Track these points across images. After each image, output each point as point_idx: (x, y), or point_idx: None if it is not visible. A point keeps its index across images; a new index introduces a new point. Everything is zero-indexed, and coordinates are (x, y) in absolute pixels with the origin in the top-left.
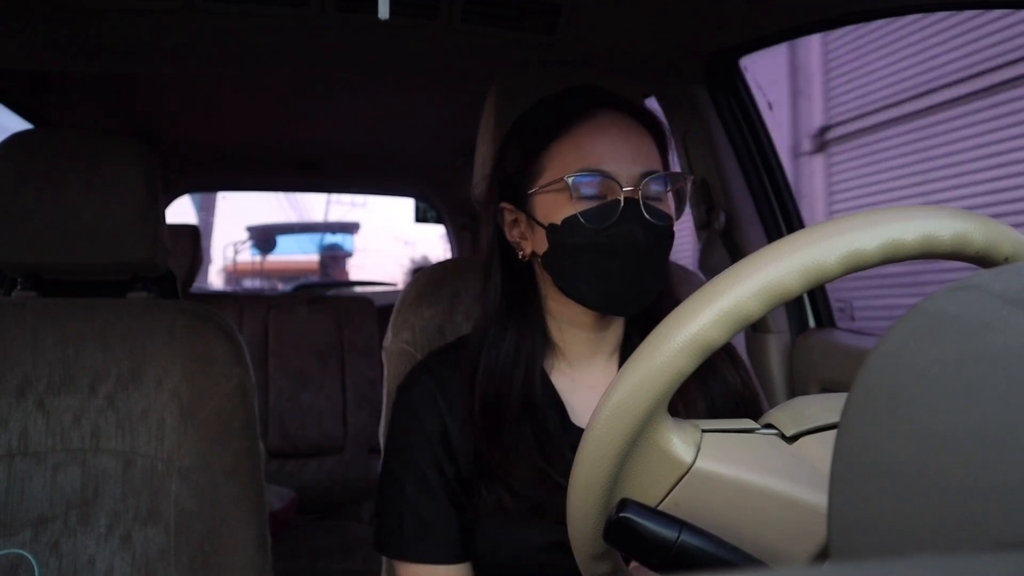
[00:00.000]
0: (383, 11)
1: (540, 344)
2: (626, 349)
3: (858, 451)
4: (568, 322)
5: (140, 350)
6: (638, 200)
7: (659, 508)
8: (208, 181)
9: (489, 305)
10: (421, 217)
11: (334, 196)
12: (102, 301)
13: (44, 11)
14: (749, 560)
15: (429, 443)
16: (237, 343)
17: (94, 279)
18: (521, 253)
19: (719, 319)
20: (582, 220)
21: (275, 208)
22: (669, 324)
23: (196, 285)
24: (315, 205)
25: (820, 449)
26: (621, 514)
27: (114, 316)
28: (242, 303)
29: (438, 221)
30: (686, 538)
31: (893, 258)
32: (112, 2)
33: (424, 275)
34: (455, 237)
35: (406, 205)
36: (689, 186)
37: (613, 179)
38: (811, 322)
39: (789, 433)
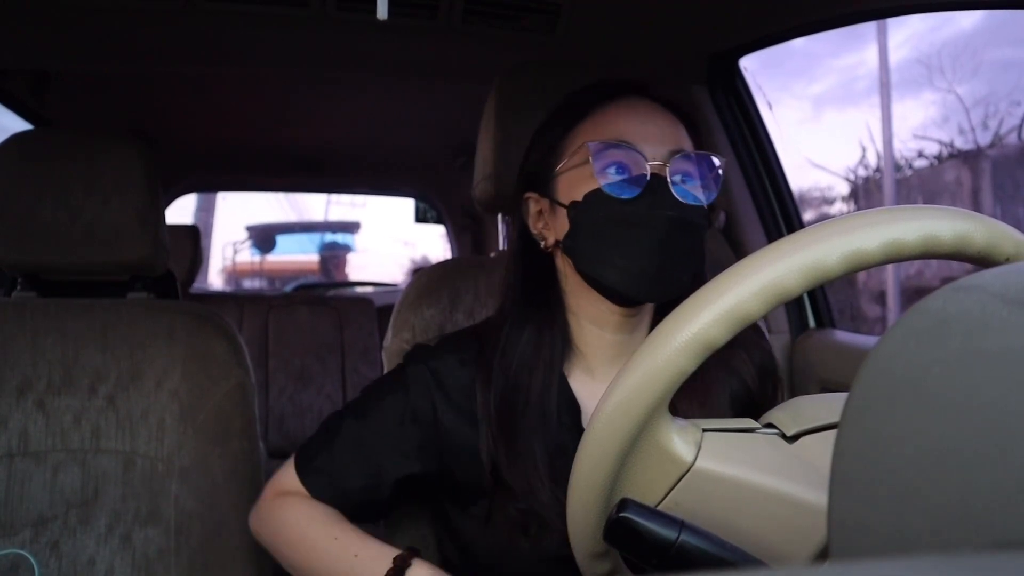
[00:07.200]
0: (381, 11)
1: (560, 347)
2: None
3: (858, 451)
4: (590, 320)
5: (140, 350)
6: (665, 177)
7: (659, 508)
8: (208, 181)
9: (507, 299)
10: (421, 217)
11: (334, 196)
12: (102, 301)
13: (45, 11)
14: (749, 560)
15: (401, 418)
16: (237, 343)
17: (94, 279)
18: (543, 243)
19: (720, 318)
20: (605, 191)
21: (275, 208)
22: (670, 323)
23: (196, 285)
24: (315, 205)
25: (820, 449)
26: (621, 514)
27: (114, 316)
28: (242, 303)
29: (438, 221)
30: (686, 538)
31: (894, 258)
32: (113, 2)
33: (424, 275)
34: (455, 237)
35: (406, 205)
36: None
37: (639, 152)
38: (811, 322)
39: (790, 433)
